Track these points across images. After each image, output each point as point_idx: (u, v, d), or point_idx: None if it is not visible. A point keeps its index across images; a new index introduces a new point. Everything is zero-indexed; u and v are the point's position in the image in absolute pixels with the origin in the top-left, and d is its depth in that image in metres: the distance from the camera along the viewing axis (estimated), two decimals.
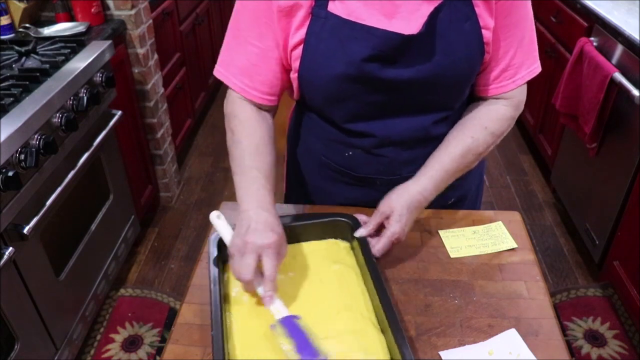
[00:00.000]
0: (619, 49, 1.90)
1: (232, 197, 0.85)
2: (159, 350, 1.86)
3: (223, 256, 0.87)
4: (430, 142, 0.97)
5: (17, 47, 1.73)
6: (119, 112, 1.89)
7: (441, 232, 1.00)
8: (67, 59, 1.68)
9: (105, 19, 2.01)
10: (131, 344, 1.89)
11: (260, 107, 0.98)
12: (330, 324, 0.79)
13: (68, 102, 1.59)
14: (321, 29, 0.87)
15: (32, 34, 1.85)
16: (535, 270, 0.93)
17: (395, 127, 0.95)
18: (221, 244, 0.87)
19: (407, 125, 0.95)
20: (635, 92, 1.73)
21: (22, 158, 1.35)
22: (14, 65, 1.65)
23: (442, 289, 0.89)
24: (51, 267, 1.57)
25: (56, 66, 1.63)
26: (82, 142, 1.68)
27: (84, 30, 1.88)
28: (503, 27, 0.89)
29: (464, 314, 0.84)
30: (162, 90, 2.40)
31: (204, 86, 3.22)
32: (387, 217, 0.91)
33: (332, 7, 0.86)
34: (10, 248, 1.33)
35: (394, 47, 0.85)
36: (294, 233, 0.91)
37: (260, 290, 0.79)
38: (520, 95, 0.97)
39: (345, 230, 0.93)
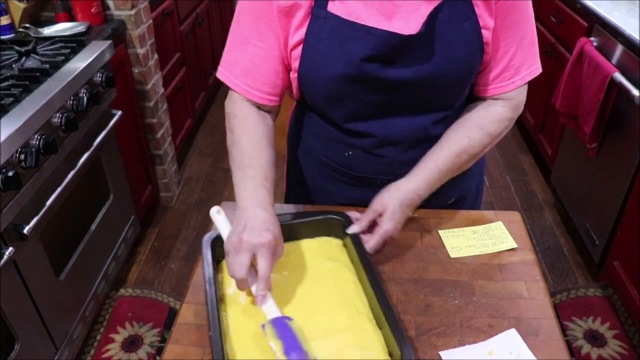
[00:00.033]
0: (619, 49, 1.90)
1: (232, 197, 0.85)
2: (159, 350, 1.86)
3: (217, 256, 0.87)
4: (430, 142, 0.97)
5: (17, 47, 1.73)
6: (119, 112, 1.89)
7: (441, 232, 1.00)
8: (67, 59, 1.68)
9: (105, 19, 2.01)
10: (131, 344, 1.89)
11: (261, 107, 0.98)
12: (326, 321, 0.79)
13: (68, 102, 1.59)
14: (321, 28, 0.87)
15: (32, 34, 1.85)
16: (535, 270, 0.92)
17: (395, 127, 0.95)
18: (214, 244, 0.87)
19: (406, 125, 0.95)
20: (635, 92, 1.73)
21: (22, 158, 1.35)
22: (14, 65, 1.65)
23: (442, 289, 0.89)
24: (51, 267, 1.57)
25: (56, 66, 1.63)
26: (82, 142, 1.68)
27: (84, 30, 1.88)
28: (503, 27, 0.89)
29: (464, 314, 0.84)
30: (162, 90, 2.40)
31: (204, 86, 3.22)
32: (380, 215, 0.92)
33: (332, 7, 0.86)
34: (10, 248, 1.33)
35: (394, 47, 0.85)
36: (287, 232, 0.92)
37: (253, 289, 0.79)
38: (519, 96, 0.97)
39: (337, 228, 0.94)
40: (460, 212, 1.06)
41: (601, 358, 1.81)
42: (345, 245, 0.93)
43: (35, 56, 1.70)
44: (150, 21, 2.22)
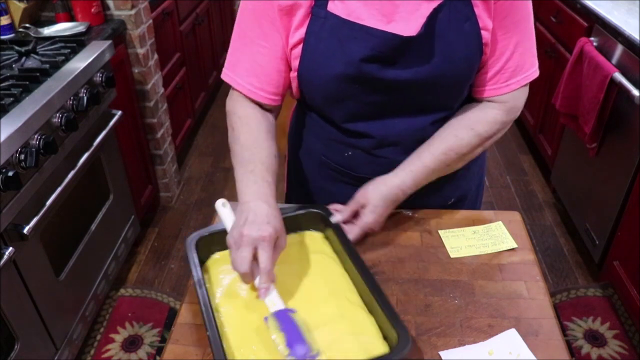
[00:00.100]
0: (619, 49, 1.90)
1: (232, 197, 0.86)
2: (159, 350, 1.86)
3: (201, 257, 0.88)
4: None
5: (17, 47, 1.73)
6: (119, 112, 1.89)
7: (441, 232, 1.00)
8: (67, 59, 1.68)
9: (105, 19, 2.01)
10: (131, 344, 1.89)
11: (263, 106, 0.98)
12: (318, 312, 0.80)
13: (68, 102, 1.59)
14: (320, 28, 0.87)
15: (32, 34, 1.85)
16: (535, 270, 0.92)
17: (394, 128, 0.95)
18: (199, 245, 0.88)
19: (406, 126, 0.95)
20: (635, 92, 1.73)
21: (22, 158, 1.35)
22: (14, 65, 1.65)
23: (442, 289, 0.89)
24: (51, 267, 1.57)
25: (56, 66, 1.63)
26: (82, 142, 1.68)
27: (84, 30, 1.88)
28: (501, 28, 0.89)
29: (464, 314, 0.84)
30: (162, 90, 2.40)
31: (204, 86, 3.22)
32: (363, 207, 0.94)
33: (332, 7, 0.86)
34: (10, 248, 1.33)
35: (393, 48, 0.85)
36: None
37: (256, 282, 0.80)
38: (514, 100, 0.95)
39: (318, 222, 0.95)
40: (460, 212, 1.06)
41: (601, 358, 1.81)
42: (327, 238, 0.94)
43: (35, 56, 1.70)
44: (150, 21, 2.22)
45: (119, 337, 1.91)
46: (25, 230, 1.37)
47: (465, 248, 0.97)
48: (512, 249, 0.96)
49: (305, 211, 0.94)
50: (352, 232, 0.93)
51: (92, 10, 1.93)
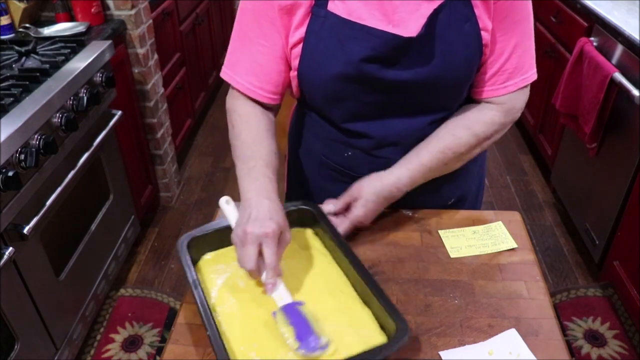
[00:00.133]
0: (619, 49, 1.90)
1: (232, 196, 0.86)
2: (159, 350, 1.86)
3: (194, 257, 0.88)
4: None
5: (17, 47, 1.73)
6: (119, 112, 1.90)
7: (441, 232, 1.00)
8: (67, 59, 1.68)
9: (105, 19, 2.01)
10: (131, 344, 1.89)
11: (263, 105, 0.98)
12: (316, 306, 0.80)
13: (68, 102, 1.59)
14: (320, 28, 0.87)
15: (32, 34, 1.85)
16: (535, 270, 0.92)
17: (393, 128, 0.96)
18: (191, 245, 0.88)
19: (405, 126, 0.95)
20: (635, 92, 1.73)
21: (22, 158, 1.35)
22: (14, 65, 1.65)
23: (442, 289, 0.89)
24: (51, 267, 1.57)
25: (56, 66, 1.63)
26: (82, 142, 1.68)
27: (84, 30, 1.88)
28: (500, 29, 0.88)
29: (464, 314, 0.84)
30: (162, 90, 2.40)
31: (204, 86, 3.22)
32: (355, 200, 0.94)
33: (332, 7, 0.86)
34: (10, 248, 1.33)
35: (394, 48, 0.85)
36: None
37: (263, 277, 0.80)
38: (512, 101, 0.95)
39: (307, 218, 0.95)
40: (460, 212, 1.06)
41: (601, 358, 1.81)
42: (317, 234, 0.95)
43: (35, 56, 1.70)
44: (150, 21, 2.22)
45: (119, 337, 1.91)
46: (25, 230, 1.37)
47: (465, 248, 0.97)
48: (512, 249, 0.96)
49: (295, 208, 0.95)
50: (342, 225, 0.94)
51: (92, 10, 1.93)
